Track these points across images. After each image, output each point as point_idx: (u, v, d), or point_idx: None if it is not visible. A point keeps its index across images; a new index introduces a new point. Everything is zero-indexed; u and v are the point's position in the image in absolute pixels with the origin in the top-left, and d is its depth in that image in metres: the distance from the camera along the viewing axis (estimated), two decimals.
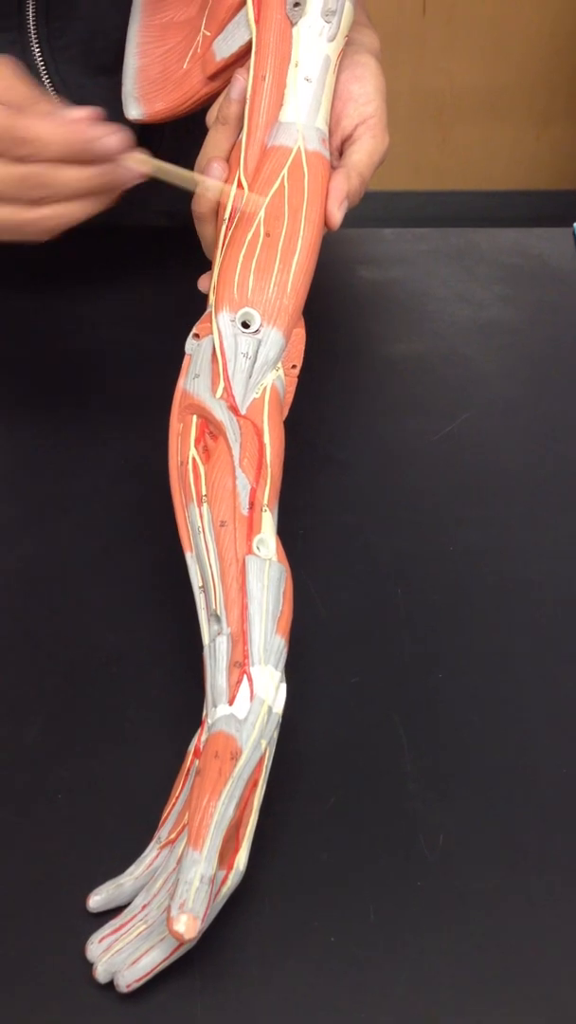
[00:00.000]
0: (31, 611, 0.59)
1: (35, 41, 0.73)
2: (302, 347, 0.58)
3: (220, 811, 0.42)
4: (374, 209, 2.59)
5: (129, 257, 0.83)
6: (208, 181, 0.59)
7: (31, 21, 0.72)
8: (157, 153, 0.56)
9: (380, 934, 0.46)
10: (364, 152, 0.62)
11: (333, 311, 0.79)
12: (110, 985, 0.43)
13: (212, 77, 0.65)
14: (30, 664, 0.56)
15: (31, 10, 0.72)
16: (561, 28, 2.36)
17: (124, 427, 0.68)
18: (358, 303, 0.81)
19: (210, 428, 0.54)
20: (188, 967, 0.44)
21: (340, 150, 0.63)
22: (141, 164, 0.54)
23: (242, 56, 0.63)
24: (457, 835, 0.49)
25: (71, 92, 0.74)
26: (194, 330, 0.58)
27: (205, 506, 0.51)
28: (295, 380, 0.58)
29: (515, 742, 0.53)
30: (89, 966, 0.44)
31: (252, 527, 0.50)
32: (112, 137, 0.53)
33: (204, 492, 0.52)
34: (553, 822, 0.50)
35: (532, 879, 0.48)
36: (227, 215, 0.59)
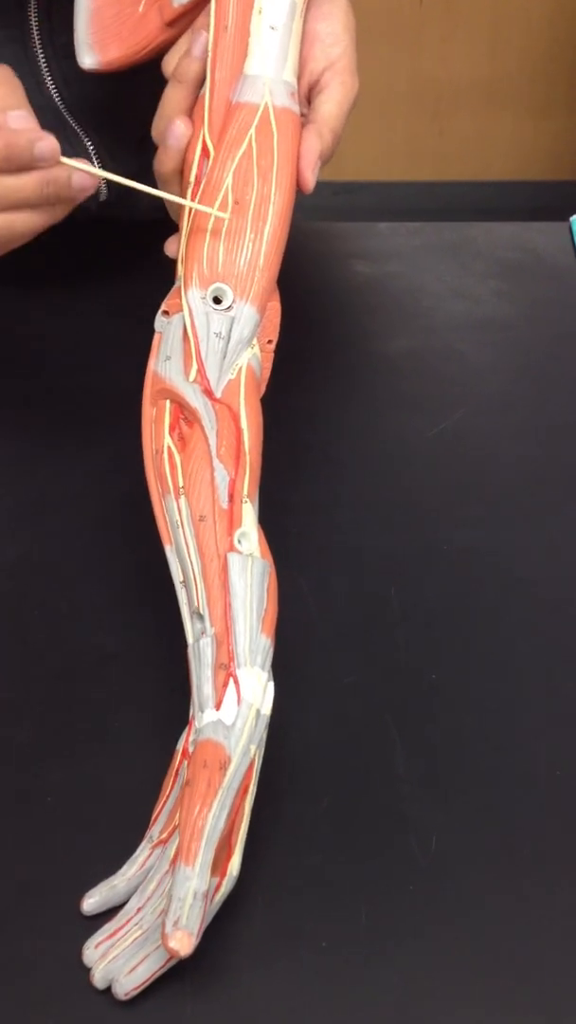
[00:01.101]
0: (21, 610, 0.58)
1: (36, 38, 0.72)
2: (278, 320, 0.56)
3: (211, 824, 0.42)
4: (372, 199, 2.60)
5: (120, 251, 0.82)
6: (166, 196, 0.56)
7: (33, 19, 0.71)
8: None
9: (372, 937, 0.46)
10: (334, 102, 0.59)
11: (328, 306, 0.79)
12: (106, 990, 0.43)
13: (170, 24, 0.61)
14: (20, 664, 0.56)
15: (32, 7, 0.71)
16: (559, 18, 2.35)
17: (114, 423, 0.67)
18: (353, 298, 0.80)
19: (184, 414, 0.52)
20: (179, 971, 0.44)
21: (308, 97, 0.60)
22: (86, 167, 0.52)
23: (203, 2, 0.59)
24: (450, 838, 0.49)
25: (72, 90, 0.74)
26: (163, 306, 0.55)
27: (183, 499, 0.50)
28: (271, 355, 0.55)
29: (510, 744, 0.53)
30: (85, 970, 0.44)
31: (233, 521, 0.49)
32: (44, 141, 0.51)
33: (181, 484, 0.50)
34: (547, 824, 0.50)
35: (525, 882, 0.48)
36: (192, 178, 0.56)
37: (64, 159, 0.52)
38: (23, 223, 0.53)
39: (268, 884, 0.47)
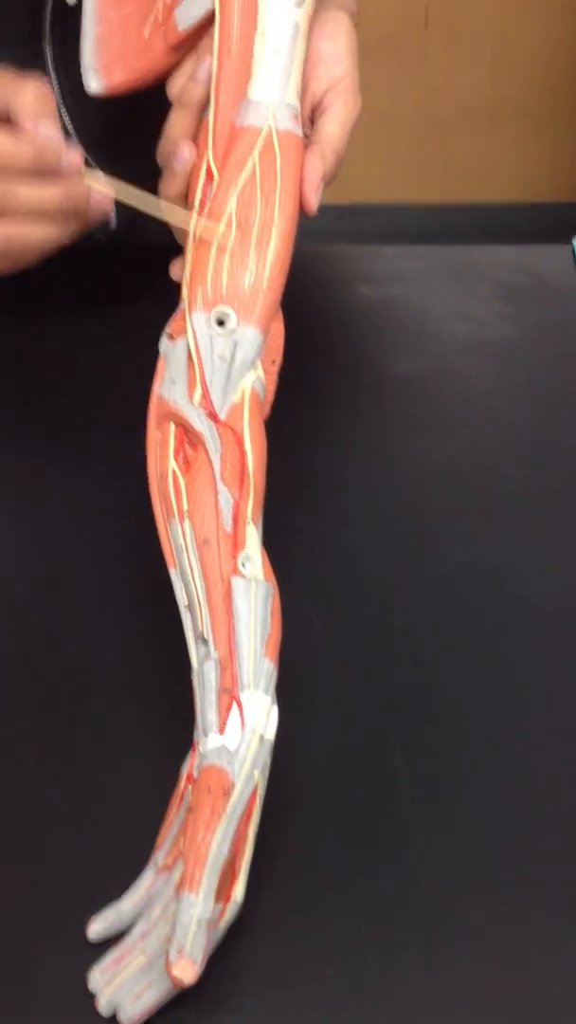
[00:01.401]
0: (27, 633, 0.58)
1: (52, 71, 0.72)
2: (281, 341, 0.56)
3: (215, 851, 0.42)
4: (375, 222, 2.61)
5: (125, 274, 0.82)
6: (175, 210, 0.56)
7: (48, 51, 0.72)
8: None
9: (376, 959, 0.45)
10: (336, 123, 0.59)
11: (332, 328, 0.79)
12: (112, 1016, 0.43)
13: (175, 48, 0.61)
14: (24, 688, 0.56)
15: (47, 40, 0.71)
16: (563, 40, 2.37)
17: (120, 446, 0.68)
18: (357, 320, 0.80)
19: (189, 437, 0.53)
20: (184, 997, 0.43)
21: (311, 117, 0.60)
22: (104, 186, 0.53)
23: (206, 25, 0.59)
24: (454, 859, 0.49)
25: (86, 122, 0.74)
26: (167, 329, 0.56)
27: (187, 522, 0.50)
28: (275, 377, 0.55)
29: (513, 764, 0.53)
30: (90, 996, 0.44)
31: (236, 544, 0.49)
32: (71, 152, 0.51)
33: (186, 507, 0.50)
34: (551, 842, 0.50)
35: (530, 901, 0.47)
36: (196, 202, 0.56)
37: (86, 175, 0.53)
38: (38, 236, 0.53)
39: (271, 909, 0.47)
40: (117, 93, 0.64)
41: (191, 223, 0.56)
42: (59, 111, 0.72)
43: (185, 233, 0.57)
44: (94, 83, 0.64)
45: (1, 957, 0.45)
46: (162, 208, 0.57)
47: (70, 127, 0.73)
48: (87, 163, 0.75)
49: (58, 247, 0.54)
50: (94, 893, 0.47)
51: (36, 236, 0.53)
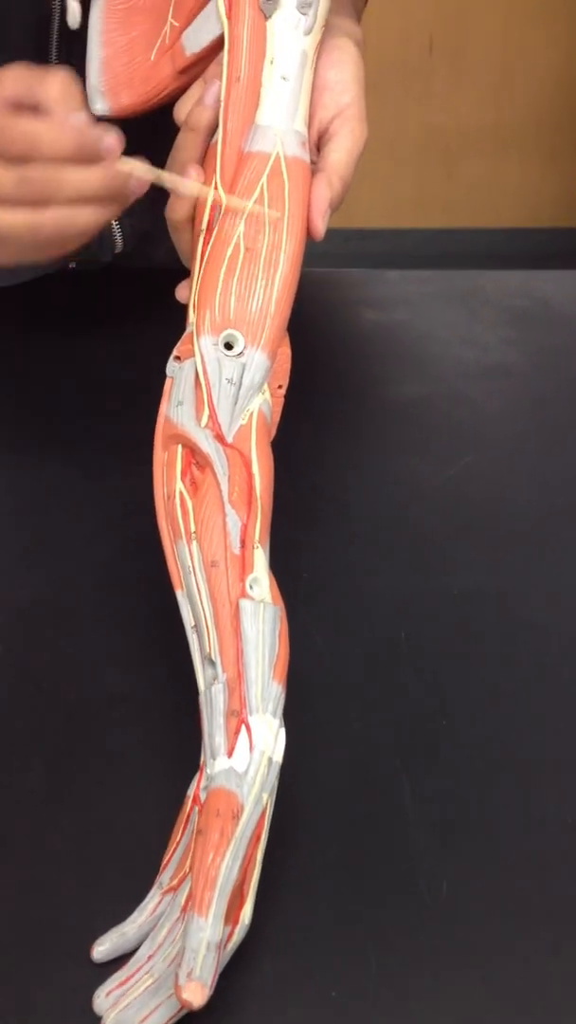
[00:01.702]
0: (31, 652, 0.58)
1: None
2: (288, 366, 0.56)
3: (224, 874, 0.42)
4: (381, 246, 2.63)
5: (132, 297, 0.83)
6: (205, 189, 0.57)
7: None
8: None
9: (382, 985, 0.45)
10: (343, 151, 0.60)
11: (337, 352, 0.80)
12: None
13: (182, 72, 0.62)
14: (30, 707, 0.55)
15: (53, 58, 0.72)
16: (567, 66, 2.38)
17: (126, 467, 0.68)
18: (362, 345, 0.81)
19: (196, 458, 0.53)
20: (190, 1020, 0.43)
21: (317, 144, 0.61)
22: (142, 171, 0.53)
23: (214, 50, 0.60)
24: (461, 884, 0.48)
25: None
26: (175, 352, 0.56)
27: (195, 544, 0.50)
28: (281, 400, 0.56)
29: (520, 790, 0.52)
30: (95, 1018, 0.44)
31: (245, 566, 0.49)
32: (109, 135, 0.52)
33: (193, 529, 0.50)
34: (559, 871, 0.49)
35: (537, 930, 0.47)
36: (203, 226, 0.57)
37: (123, 158, 0.54)
38: (86, 217, 0.54)
39: (277, 932, 0.46)
40: (123, 116, 0.65)
41: (227, 200, 0.56)
42: None
43: (192, 256, 0.58)
44: (100, 105, 0.65)
45: (6, 978, 0.45)
46: (194, 188, 0.57)
47: None
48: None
49: (100, 228, 0.55)
50: (99, 914, 0.47)
51: (82, 219, 0.54)
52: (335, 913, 0.47)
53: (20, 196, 0.52)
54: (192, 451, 0.53)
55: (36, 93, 0.53)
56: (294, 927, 0.47)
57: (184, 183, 0.56)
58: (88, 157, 0.52)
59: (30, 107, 0.53)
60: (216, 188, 0.57)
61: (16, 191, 0.52)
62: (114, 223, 0.78)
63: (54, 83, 0.53)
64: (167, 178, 0.56)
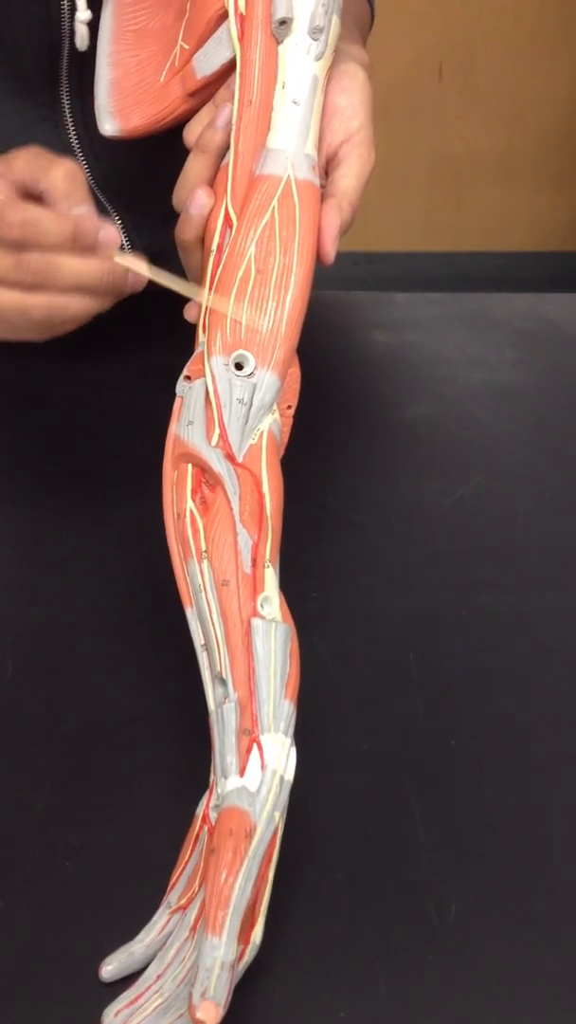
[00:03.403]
0: (40, 674, 0.58)
1: (68, 116, 0.74)
2: (297, 386, 0.56)
3: (237, 893, 0.41)
4: (390, 269, 2.63)
5: (141, 317, 0.83)
6: (203, 292, 0.57)
7: (64, 98, 0.73)
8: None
9: (390, 1008, 0.45)
10: (352, 176, 0.60)
11: (347, 373, 0.80)
12: None
13: (192, 94, 0.62)
14: (40, 727, 0.55)
15: (64, 86, 0.73)
16: (575, 94, 2.40)
17: (134, 489, 0.68)
18: (372, 366, 0.81)
19: (206, 478, 0.53)
20: None
21: (326, 169, 0.61)
22: (140, 268, 0.54)
23: (224, 74, 0.61)
24: (471, 908, 0.48)
25: (103, 168, 0.75)
26: (185, 371, 0.56)
27: (206, 563, 0.50)
28: (291, 420, 0.56)
29: (530, 811, 0.52)
30: None
31: (256, 585, 0.49)
32: (108, 228, 0.53)
33: (204, 548, 0.50)
34: (569, 895, 0.49)
35: (547, 953, 0.47)
36: (214, 247, 0.58)
37: (119, 256, 0.54)
38: (78, 306, 0.55)
39: (286, 953, 0.46)
40: (132, 137, 0.65)
41: (228, 308, 0.56)
42: (76, 157, 0.74)
43: (202, 277, 0.58)
44: (108, 126, 0.65)
45: (15, 997, 0.45)
46: (194, 289, 0.58)
47: (87, 173, 0.74)
48: (104, 210, 0.76)
49: (93, 317, 0.56)
50: (108, 933, 0.46)
51: (75, 307, 0.55)
52: (344, 934, 0.47)
53: (15, 279, 0.53)
54: (202, 470, 0.53)
55: (41, 180, 0.54)
56: (303, 948, 0.47)
57: (181, 285, 0.57)
58: (86, 248, 0.53)
59: (35, 194, 0.55)
60: (210, 292, 0.57)
61: (11, 274, 0.53)
62: (126, 243, 0.79)
63: (59, 172, 0.54)
64: (165, 278, 0.56)
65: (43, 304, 0.54)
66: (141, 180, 0.76)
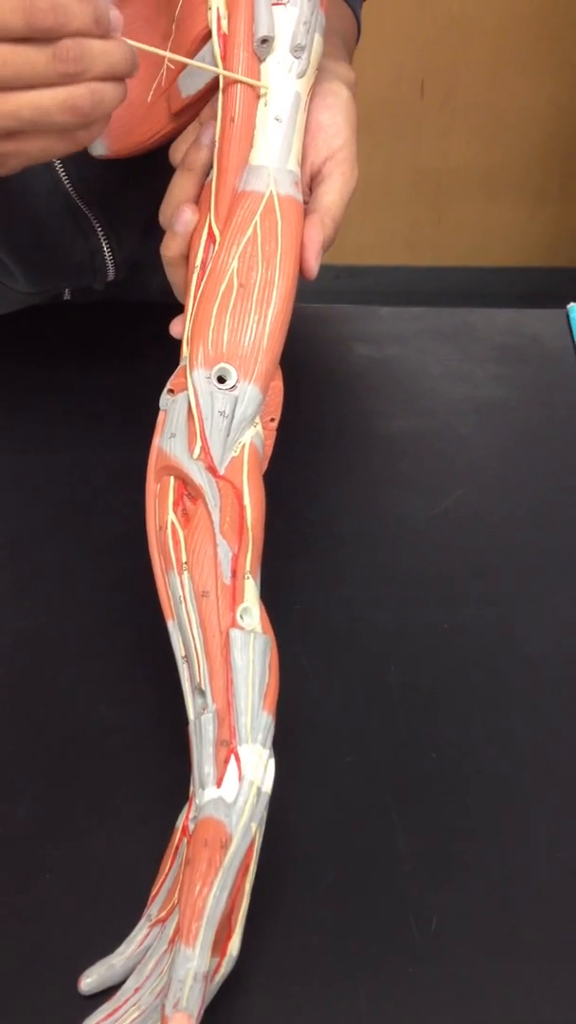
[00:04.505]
0: (23, 683, 0.58)
1: None
2: (280, 399, 0.57)
3: (212, 904, 0.42)
4: (371, 283, 2.64)
5: (126, 331, 0.84)
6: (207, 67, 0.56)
7: None
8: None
9: (371, 1020, 0.45)
10: (335, 192, 0.61)
11: (330, 387, 0.80)
12: None
13: (178, 114, 0.63)
14: (20, 738, 0.55)
15: None
16: (554, 110, 2.42)
17: (121, 499, 0.69)
18: (354, 379, 0.81)
19: (188, 490, 0.53)
20: None
21: (310, 185, 0.62)
22: (150, 49, 0.54)
23: (209, 93, 0.61)
24: (451, 920, 0.48)
25: (82, 174, 0.75)
26: (168, 385, 0.56)
27: (186, 574, 0.50)
28: (274, 433, 0.56)
29: (511, 824, 0.52)
30: None
31: (235, 596, 0.49)
32: (114, 10, 0.51)
33: (185, 560, 0.51)
34: (548, 906, 0.49)
35: (526, 965, 0.47)
36: (197, 262, 0.58)
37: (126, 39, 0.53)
38: (112, 92, 0.53)
39: (266, 965, 0.46)
40: (120, 156, 0.66)
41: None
42: (54, 164, 0.74)
43: (186, 292, 0.59)
44: (99, 147, 0.66)
45: None
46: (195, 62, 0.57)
47: (66, 180, 0.75)
48: (84, 216, 0.77)
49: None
50: (87, 946, 0.46)
51: (111, 94, 0.52)
52: (325, 947, 0.47)
53: (54, 73, 0.50)
54: (184, 483, 0.53)
55: None
56: (283, 961, 0.47)
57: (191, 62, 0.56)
58: (104, 31, 0.51)
59: None
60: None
61: (49, 68, 0.50)
62: (107, 253, 0.79)
63: None
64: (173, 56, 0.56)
65: (86, 92, 0.51)
66: (120, 189, 0.76)
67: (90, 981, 0.45)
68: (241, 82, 0.58)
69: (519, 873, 0.50)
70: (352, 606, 0.63)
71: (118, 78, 0.53)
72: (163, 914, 0.46)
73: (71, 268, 0.80)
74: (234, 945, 0.44)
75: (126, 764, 0.54)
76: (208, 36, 0.60)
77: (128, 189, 0.72)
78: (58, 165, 0.74)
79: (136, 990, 0.45)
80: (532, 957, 0.47)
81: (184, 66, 0.62)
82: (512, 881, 0.50)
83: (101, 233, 0.79)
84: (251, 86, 0.58)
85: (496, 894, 0.49)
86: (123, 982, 0.45)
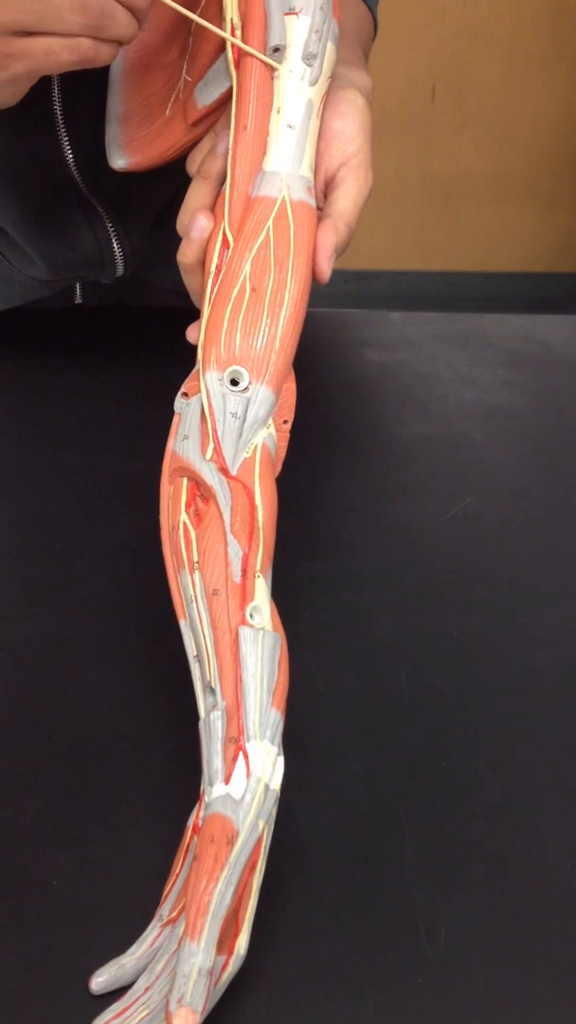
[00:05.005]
0: (31, 689, 0.58)
1: (60, 119, 0.74)
2: (293, 401, 0.57)
3: (217, 899, 0.42)
4: (382, 287, 2.64)
5: (141, 336, 0.84)
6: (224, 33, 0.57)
7: (56, 99, 0.73)
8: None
9: (379, 1021, 0.45)
10: (349, 198, 0.61)
11: (340, 392, 0.80)
12: None
13: (194, 124, 0.64)
14: (29, 742, 0.55)
15: (56, 88, 0.73)
16: (565, 116, 2.42)
17: (128, 503, 0.69)
18: (365, 384, 0.81)
19: (200, 491, 0.53)
20: None
21: (324, 192, 0.62)
22: None
23: (224, 103, 0.62)
24: (460, 930, 0.48)
25: (93, 171, 0.76)
26: (183, 388, 0.57)
27: (197, 574, 0.50)
28: (287, 435, 0.57)
29: (521, 834, 0.52)
30: None
31: (245, 595, 0.50)
32: None
33: (196, 559, 0.51)
34: (558, 917, 0.49)
35: (535, 976, 0.46)
36: (212, 268, 0.58)
37: None
38: (122, 17, 0.54)
39: (274, 972, 0.46)
40: (140, 169, 0.67)
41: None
42: (66, 159, 0.75)
43: (201, 298, 0.59)
44: (120, 161, 0.67)
45: (5, 1008, 0.45)
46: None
47: (77, 176, 0.75)
48: (95, 212, 0.77)
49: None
50: (99, 946, 0.46)
51: (121, 18, 0.54)
52: (334, 956, 0.47)
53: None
54: (197, 483, 0.54)
55: None
56: (291, 965, 0.46)
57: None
58: None
59: None
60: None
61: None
62: (116, 247, 0.80)
63: None
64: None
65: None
66: (130, 187, 0.77)
67: (101, 981, 0.45)
68: (255, 56, 0.59)
69: (530, 885, 0.50)
70: (361, 612, 0.63)
71: (132, 8, 0.54)
72: (174, 914, 0.46)
73: (80, 260, 0.81)
74: (241, 944, 0.44)
75: (134, 768, 0.54)
76: (224, 47, 0.61)
77: (136, 183, 0.73)
78: (71, 160, 0.75)
79: (146, 989, 0.45)
80: (542, 970, 0.47)
81: (200, 77, 0.63)
82: (522, 891, 0.49)
83: (110, 226, 0.80)
84: (265, 86, 0.59)
85: (506, 906, 0.49)
86: (133, 982, 0.45)
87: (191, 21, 0.61)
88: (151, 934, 0.46)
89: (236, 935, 0.44)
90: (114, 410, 0.78)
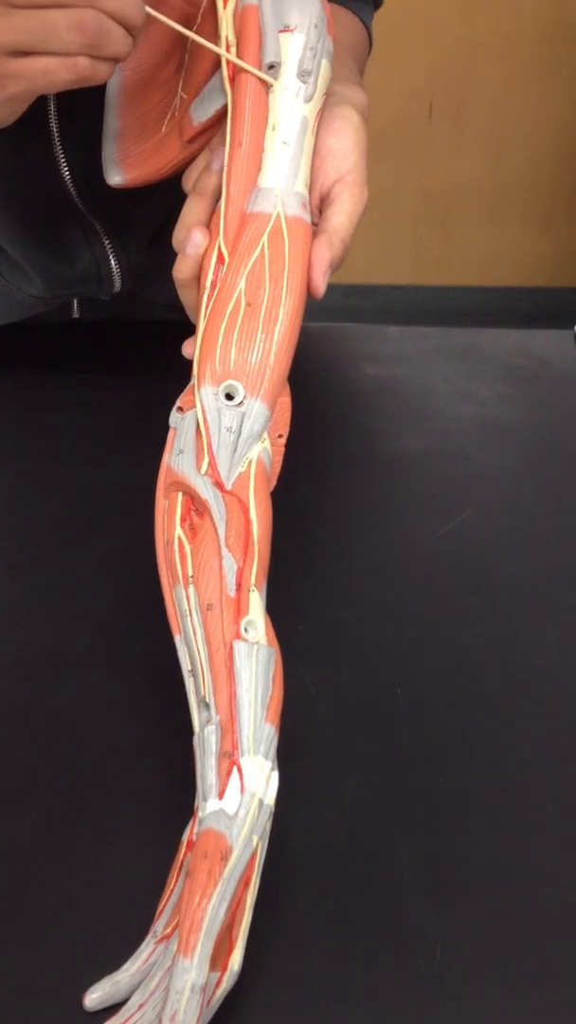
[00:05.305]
0: (26, 701, 0.58)
1: (56, 133, 0.74)
2: (288, 416, 0.57)
3: (210, 916, 0.41)
4: (379, 302, 2.65)
5: (136, 351, 0.84)
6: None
7: (52, 114, 0.74)
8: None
9: None
10: (344, 214, 0.62)
11: (337, 406, 0.80)
12: None
13: (190, 141, 0.64)
14: (24, 757, 0.55)
15: (52, 102, 0.73)
16: (562, 133, 2.43)
17: (124, 516, 0.69)
18: (362, 399, 0.82)
19: (195, 505, 0.54)
20: None
21: (319, 208, 0.63)
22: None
23: (219, 120, 0.62)
24: (457, 949, 0.47)
25: (89, 187, 0.76)
26: (178, 403, 0.57)
27: (191, 588, 0.50)
28: (282, 450, 0.57)
29: (517, 851, 0.51)
30: None
31: (239, 609, 0.50)
32: None
33: (190, 573, 0.51)
34: (554, 935, 0.48)
35: (531, 994, 0.46)
36: (208, 283, 0.59)
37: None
38: (118, 35, 0.55)
39: (268, 989, 0.46)
40: (136, 185, 0.67)
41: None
42: (62, 174, 0.75)
43: (197, 311, 0.59)
44: (116, 177, 0.67)
45: None
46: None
47: (73, 191, 0.76)
48: (91, 227, 0.78)
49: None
50: (93, 962, 0.46)
51: (117, 35, 0.55)
52: (328, 974, 0.46)
53: None
54: (192, 498, 0.54)
55: None
56: (285, 982, 0.46)
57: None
58: None
59: None
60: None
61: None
62: (113, 263, 0.80)
63: None
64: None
65: (94, 16, 0.53)
66: (126, 202, 0.77)
67: (95, 997, 0.45)
68: (251, 72, 0.59)
69: (527, 903, 0.49)
70: (358, 626, 0.63)
71: (127, 25, 0.54)
72: (168, 930, 0.46)
73: (77, 276, 0.81)
74: (235, 960, 0.43)
75: (129, 782, 0.54)
76: (218, 65, 0.61)
77: (133, 199, 0.74)
78: (67, 175, 0.75)
79: (140, 1006, 0.44)
80: (539, 987, 0.46)
81: (196, 94, 0.63)
82: (520, 911, 0.49)
83: (107, 242, 0.80)
84: (260, 103, 0.59)
85: (503, 924, 0.48)
86: (128, 999, 0.45)
87: (187, 39, 0.61)
88: (145, 950, 0.46)
89: (230, 951, 0.43)
90: (110, 423, 0.78)
